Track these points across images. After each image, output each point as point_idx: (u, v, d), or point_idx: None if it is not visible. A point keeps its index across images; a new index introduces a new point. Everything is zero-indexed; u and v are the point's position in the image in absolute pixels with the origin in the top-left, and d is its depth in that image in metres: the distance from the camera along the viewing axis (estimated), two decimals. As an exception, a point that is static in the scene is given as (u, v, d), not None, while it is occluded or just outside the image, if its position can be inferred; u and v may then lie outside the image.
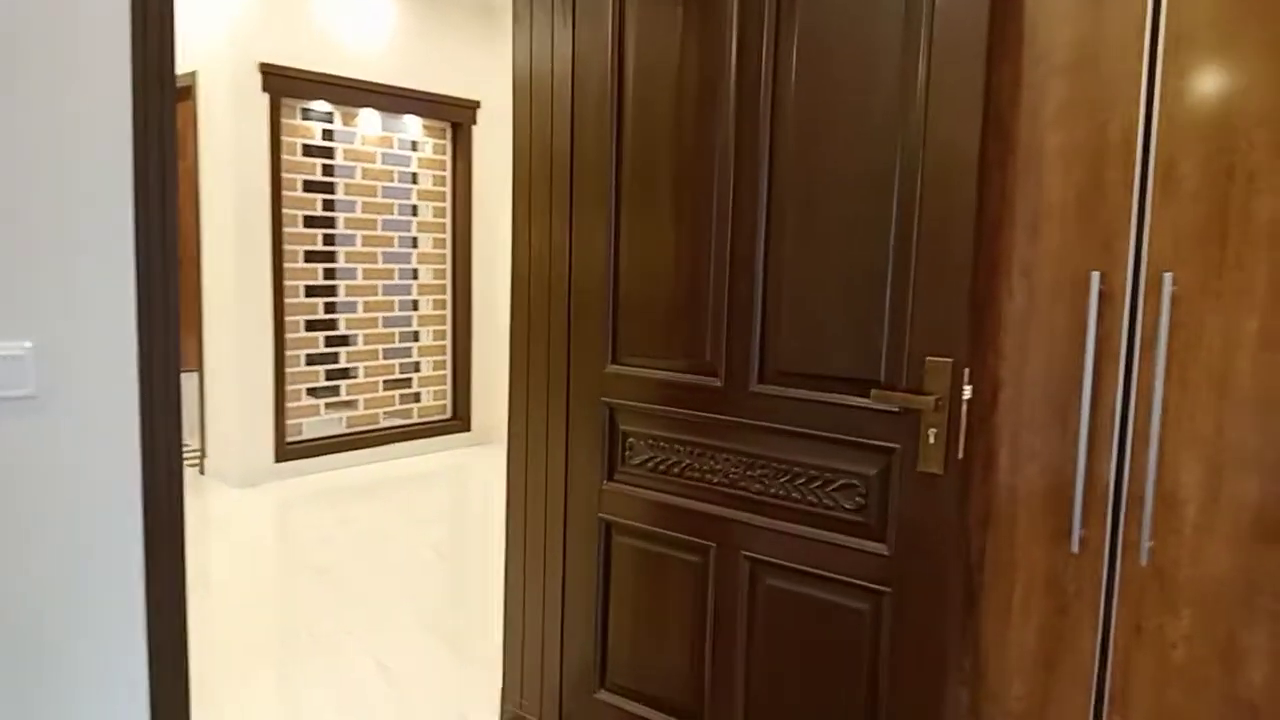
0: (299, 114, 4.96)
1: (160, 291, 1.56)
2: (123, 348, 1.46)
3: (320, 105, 5.02)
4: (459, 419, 5.84)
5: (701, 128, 1.78)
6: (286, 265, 4.90)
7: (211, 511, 4.44)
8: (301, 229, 4.99)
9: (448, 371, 5.85)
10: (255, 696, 2.60)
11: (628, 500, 1.96)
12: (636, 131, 1.88)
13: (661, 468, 1.90)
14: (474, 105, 5.64)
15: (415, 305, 5.65)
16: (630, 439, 1.96)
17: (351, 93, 5.04)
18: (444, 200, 5.72)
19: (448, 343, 5.83)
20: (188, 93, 4.88)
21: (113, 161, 1.42)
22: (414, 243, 5.58)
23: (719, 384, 1.79)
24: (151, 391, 1.79)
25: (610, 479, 2.00)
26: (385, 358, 5.50)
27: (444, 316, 5.81)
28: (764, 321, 1.72)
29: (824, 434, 1.65)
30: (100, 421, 1.44)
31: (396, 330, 5.56)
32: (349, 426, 5.34)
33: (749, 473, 1.77)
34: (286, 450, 4.95)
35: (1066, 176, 1.46)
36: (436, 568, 3.68)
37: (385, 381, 5.52)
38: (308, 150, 5.01)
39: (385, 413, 5.53)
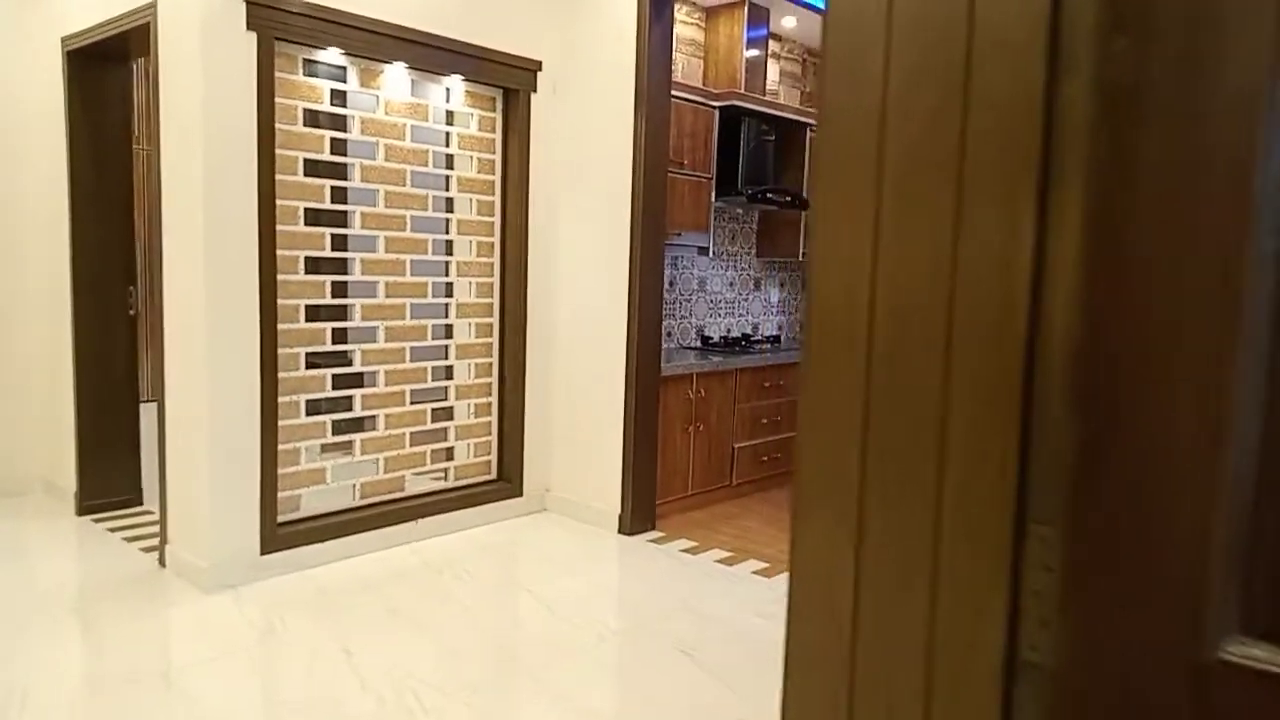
0: (300, 67, 3.58)
1: None
2: None
3: (330, 56, 3.64)
4: (506, 480, 4.44)
5: None
6: (281, 278, 3.51)
7: (173, 639, 3.03)
8: (302, 227, 3.60)
9: (493, 418, 4.45)
10: None
11: None
12: None
13: None
14: (534, 67, 4.25)
15: (450, 331, 4.26)
16: None
17: (374, 40, 3.65)
18: (492, 193, 4.33)
19: (493, 380, 4.43)
20: (143, 37, 3.50)
21: None
22: (448, 248, 4.20)
23: None
24: None
25: None
26: (413, 401, 4.10)
27: (489, 346, 4.41)
28: None
29: None
30: None
31: (429, 365, 4.16)
32: (363, 497, 3.94)
33: None
34: (278, 535, 3.55)
35: None
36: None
37: (413, 434, 4.11)
38: (311, 119, 3.62)
39: (412, 474, 4.13)
